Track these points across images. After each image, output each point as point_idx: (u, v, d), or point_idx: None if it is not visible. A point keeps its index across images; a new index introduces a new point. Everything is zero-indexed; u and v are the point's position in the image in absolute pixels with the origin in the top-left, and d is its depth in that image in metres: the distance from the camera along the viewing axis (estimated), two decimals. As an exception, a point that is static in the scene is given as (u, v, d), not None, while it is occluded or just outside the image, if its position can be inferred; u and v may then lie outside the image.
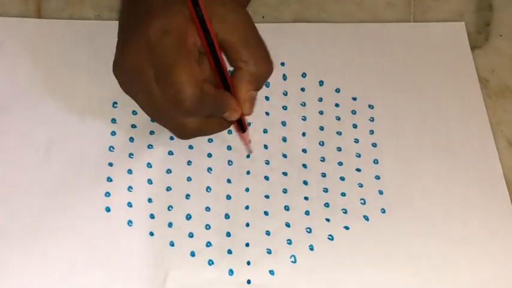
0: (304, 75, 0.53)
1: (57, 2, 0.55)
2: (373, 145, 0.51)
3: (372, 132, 0.51)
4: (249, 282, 0.45)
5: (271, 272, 0.45)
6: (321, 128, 0.51)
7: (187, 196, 0.48)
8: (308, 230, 0.47)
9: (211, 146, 0.50)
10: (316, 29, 0.55)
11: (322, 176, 0.49)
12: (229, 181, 0.48)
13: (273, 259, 0.46)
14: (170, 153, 0.49)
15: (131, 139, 0.50)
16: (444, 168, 0.50)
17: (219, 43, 0.43)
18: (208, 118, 0.45)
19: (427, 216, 0.48)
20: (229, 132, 0.49)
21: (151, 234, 0.46)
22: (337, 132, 0.51)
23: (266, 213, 0.47)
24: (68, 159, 0.49)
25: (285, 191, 0.48)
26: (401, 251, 0.46)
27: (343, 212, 0.48)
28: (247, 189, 0.48)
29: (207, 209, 0.47)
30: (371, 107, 0.52)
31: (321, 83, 0.53)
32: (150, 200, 0.47)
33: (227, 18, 0.43)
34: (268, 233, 0.47)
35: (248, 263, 0.46)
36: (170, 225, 0.47)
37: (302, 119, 0.51)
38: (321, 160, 0.50)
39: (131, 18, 0.45)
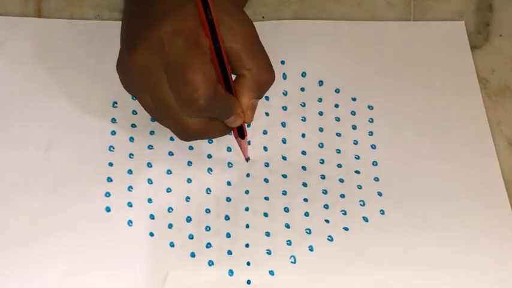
0: (304, 74, 0.53)
1: (57, 2, 0.55)
2: (372, 147, 0.51)
3: (371, 133, 0.51)
4: (249, 282, 0.45)
5: (271, 273, 0.46)
6: (321, 129, 0.51)
7: (187, 197, 0.48)
8: (308, 231, 0.47)
9: (211, 147, 0.50)
10: (316, 26, 0.55)
11: (321, 177, 0.49)
12: (229, 183, 0.49)
13: (273, 260, 0.46)
14: (170, 153, 0.49)
15: (131, 139, 0.50)
16: (443, 169, 0.50)
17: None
18: (211, 121, 0.45)
19: (427, 217, 0.48)
20: (230, 133, 0.49)
21: (151, 234, 0.46)
22: (336, 134, 0.51)
23: (266, 214, 0.47)
24: (68, 158, 0.49)
25: (284, 192, 0.48)
26: (401, 252, 0.46)
27: (343, 214, 0.48)
28: (247, 192, 0.48)
29: (207, 210, 0.47)
30: (370, 107, 0.52)
31: (321, 83, 0.53)
32: (150, 200, 0.48)
33: (233, 26, 0.43)
34: (268, 234, 0.47)
35: (248, 263, 0.46)
36: (170, 226, 0.47)
37: (302, 119, 0.51)
38: (320, 162, 0.50)
39: (137, 18, 0.45)
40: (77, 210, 0.47)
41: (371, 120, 0.52)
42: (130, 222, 0.47)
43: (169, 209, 0.47)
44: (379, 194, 0.49)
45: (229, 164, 0.49)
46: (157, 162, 0.49)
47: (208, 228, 0.47)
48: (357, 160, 0.50)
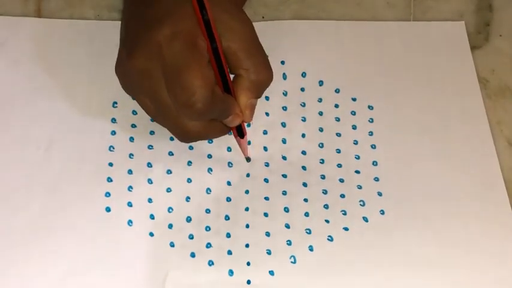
0: (304, 74, 0.53)
1: (57, 2, 0.55)
2: (372, 147, 0.51)
3: (371, 133, 0.51)
4: (249, 282, 0.45)
5: (271, 273, 0.46)
6: (321, 129, 0.51)
7: (187, 197, 0.48)
8: (308, 231, 0.47)
9: (211, 146, 0.50)
10: (316, 26, 0.55)
11: (321, 177, 0.49)
12: (229, 183, 0.49)
13: (273, 260, 0.46)
14: (170, 153, 0.49)
15: (131, 139, 0.50)
16: (444, 169, 0.50)
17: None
18: (211, 122, 0.45)
19: (427, 217, 0.48)
20: (230, 133, 0.49)
21: (151, 234, 0.46)
22: (336, 134, 0.51)
23: (266, 214, 0.47)
24: (68, 158, 0.49)
25: (284, 192, 0.48)
26: (401, 252, 0.46)
27: (343, 214, 0.48)
28: (247, 192, 0.48)
29: (207, 210, 0.47)
30: (370, 107, 0.52)
31: (321, 83, 0.53)
32: (150, 200, 0.48)
33: (231, 25, 0.43)
34: (268, 234, 0.47)
35: (248, 263, 0.46)
36: (170, 226, 0.47)
37: (302, 119, 0.51)
38: (320, 162, 0.50)
39: (137, 19, 0.45)
40: (77, 210, 0.47)
41: (371, 120, 0.52)
42: (130, 222, 0.47)
43: (169, 209, 0.47)
44: (379, 194, 0.49)
45: (230, 164, 0.49)
46: (157, 162, 0.49)
47: (208, 228, 0.47)
48: (357, 160, 0.50)
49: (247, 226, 0.47)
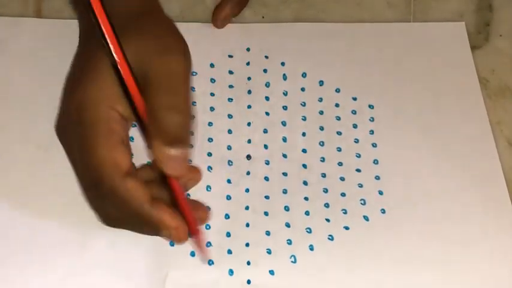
0: (304, 75, 0.53)
1: (57, 3, 0.55)
2: (373, 145, 0.51)
3: (371, 132, 0.51)
4: (249, 282, 0.45)
5: (271, 272, 0.45)
6: (321, 128, 0.51)
7: (187, 195, 0.48)
8: (308, 230, 0.47)
9: (211, 145, 0.50)
10: (317, 28, 0.55)
11: (322, 176, 0.49)
12: (229, 181, 0.49)
13: (273, 259, 0.46)
14: (170, 153, 0.49)
15: (131, 139, 0.50)
16: (444, 168, 0.50)
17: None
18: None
19: (427, 216, 0.48)
20: (230, 132, 0.49)
21: (151, 234, 0.46)
22: (337, 132, 0.51)
23: (266, 213, 0.47)
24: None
25: (285, 191, 0.48)
26: (401, 251, 0.46)
27: (343, 213, 0.48)
28: (247, 190, 0.48)
29: (207, 209, 0.47)
30: (371, 107, 0.52)
31: (321, 83, 0.53)
32: (150, 200, 0.47)
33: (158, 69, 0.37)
34: (268, 233, 0.47)
35: (248, 263, 0.46)
36: (170, 225, 0.47)
37: (302, 118, 0.51)
38: (321, 160, 0.50)
39: (71, 67, 0.41)
40: (77, 210, 0.47)
41: (371, 119, 0.52)
42: (130, 222, 0.47)
43: (169, 208, 0.47)
44: (380, 192, 0.49)
45: (229, 162, 0.49)
46: (157, 161, 0.49)
47: (208, 227, 0.47)
48: (357, 158, 0.50)
49: (247, 225, 0.47)
